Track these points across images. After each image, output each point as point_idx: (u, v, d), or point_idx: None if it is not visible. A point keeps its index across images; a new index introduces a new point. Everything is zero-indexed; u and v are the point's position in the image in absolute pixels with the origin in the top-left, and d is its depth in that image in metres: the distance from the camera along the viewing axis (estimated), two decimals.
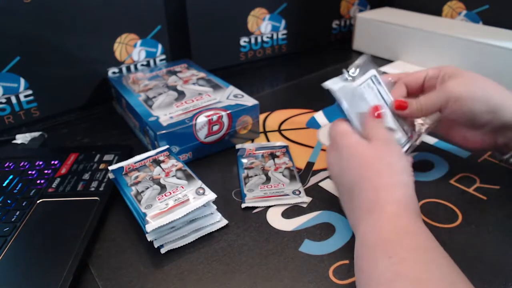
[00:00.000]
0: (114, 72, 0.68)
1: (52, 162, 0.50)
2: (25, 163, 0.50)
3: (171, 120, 0.50)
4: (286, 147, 0.54)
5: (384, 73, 0.47)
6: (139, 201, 0.39)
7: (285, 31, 0.84)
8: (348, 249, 0.38)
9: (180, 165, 0.44)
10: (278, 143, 0.55)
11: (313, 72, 0.79)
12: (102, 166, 0.49)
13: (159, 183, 0.42)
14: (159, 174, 0.43)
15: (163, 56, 0.72)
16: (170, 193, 0.40)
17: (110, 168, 0.45)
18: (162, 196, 0.40)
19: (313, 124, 0.60)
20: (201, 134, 0.51)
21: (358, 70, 0.44)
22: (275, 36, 0.83)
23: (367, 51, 0.87)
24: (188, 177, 0.42)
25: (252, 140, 0.57)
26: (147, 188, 0.41)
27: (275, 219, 0.42)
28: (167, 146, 0.48)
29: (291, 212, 0.43)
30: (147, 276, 0.36)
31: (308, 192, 0.45)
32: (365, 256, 0.31)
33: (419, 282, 0.27)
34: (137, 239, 0.40)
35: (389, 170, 0.36)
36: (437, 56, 0.75)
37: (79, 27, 0.61)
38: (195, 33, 0.73)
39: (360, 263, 0.31)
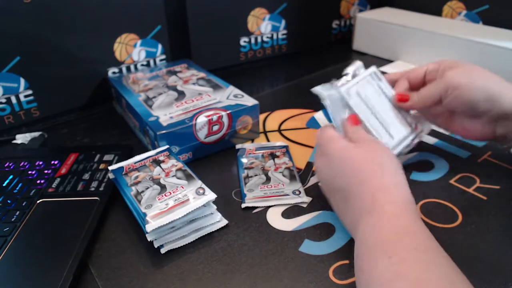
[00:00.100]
0: (114, 72, 0.68)
1: (52, 162, 0.50)
2: (25, 163, 0.50)
3: (171, 120, 0.50)
4: (286, 147, 0.54)
5: (384, 73, 0.48)
6: (139, 201, 0.39)
7: (285, 31, 0.84)
8: (348, 249, 0.38)
9: (180, 165, 0.44)
10: (278, 143, 0.55)
11: (313, 72, 0.79)
12: (102, 166, 0.49)
13: (159, 183, 0.42)
14: (159, 174, 0.43)
15: (163, 56, 0.72)
16: (170, 193, 0.40)
17: (110, 168, 0.45)
18: (162, 196, 0.40)
19: (313, 124, 0.60)
20: (201, 134, 0.51)
21: (350, 76, 0.45)
22: (275, 36, 0.83)
23: (367, 51, 0.87)
24: (188, 177, 0.42)
25: (252, 140, 0.57)
26: (147, 188, 0.41)
27: (275, 219, 0.42)
28: (167, 146, 0.48)
29: (291, 212, 0.43)
30: (147, 276, 0.36)
31: (308, 192, 0.45)
32: (365, 256, 0.31)
33: (419, 282, 0.27)
34: (137, 239, 0.40)
35: (382, 170, 0.36)
36: (437, 56, 0.74)
37: (79, 27, 0.61)
38: (195, 33, 0.73)
39: (360, 263, 0.31)
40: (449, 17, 0.83)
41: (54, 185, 0.46)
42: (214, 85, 0.59)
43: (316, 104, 0.65)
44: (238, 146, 0.54)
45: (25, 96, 0.61)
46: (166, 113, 0.52)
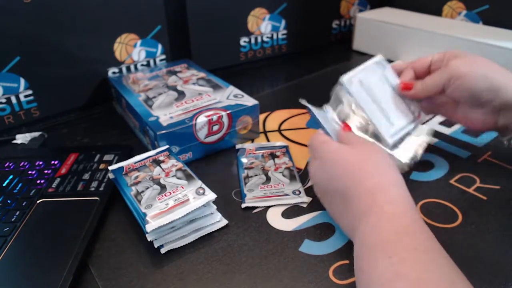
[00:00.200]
0: (114, 72, 0.68)
1: (52, 162, 0.50)
2: (25, 163, 0.50)
3: (171, 120, 0.50)
4: (286, 147, 0.54)
5: (391, 61, 0.48)
6: (139, 201, 0.39)
7: (285, 31, 0.84)
8: (348, 249, 0.38)
9: (180, 165, 0.44)
10: (278, 143, 0.55)
11: (313, 72, 0.79)
12: (102, 166, 0.49)
13: (159, 183, 0.42)
14: (159, 174, 0.43)
15: (163, 56, 0.72)
16: (170, 193, 0.40)
17: (110, 168, 0.45)
18: (162, 196, 0.40)
19: (313, 124, 0.60)
20: (201, 134, 0.51)
21: (332, 102, 0.46)
22: (275, 36, 0.83)
23: (367, 51, 0.87)
24: (188, 177, 0.42)
25: (252, 140, 0.57)
26: (147, 188, 0.41)
27: (275, 219, 0.42)
28: (167, 146, 0.48)
29: (291, 212, 0.43)
30: (147, 276, 0.36)
31: (308, 192, 0.45)
32: (365, 257, 0.31)
33: (419, 282, 0.27)
34: (137, 239, 0.40)
35: (378, 169, 0.36)
36: None
37: (79, 27, 0.61)
38: (195, 33, 0.73)
39: (360, 264, 0.31)
40: (449, 17, 0.83)
41: (54, 185, 0.46)
42: (214, 85, 0.59)
43: (316, 104, 0.65)
44: (238, 146, 0.54)
45: (25, 96, 0.61)
46: (166, 113, 0.52)
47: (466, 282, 0.28)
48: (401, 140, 0.45)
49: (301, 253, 0.38)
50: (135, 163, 0.45)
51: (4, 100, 0.59)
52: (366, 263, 0.31)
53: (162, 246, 0.38)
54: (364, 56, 0.86)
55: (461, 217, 0.41)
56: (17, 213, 0.42)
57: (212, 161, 0.52)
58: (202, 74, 0.63)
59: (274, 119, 0.62)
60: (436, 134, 0.55)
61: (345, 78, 0.44)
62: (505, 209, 0.42)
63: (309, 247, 0.38)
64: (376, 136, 0.45)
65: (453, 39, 0.71)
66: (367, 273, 0.30)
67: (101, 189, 0.45)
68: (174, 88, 0.59)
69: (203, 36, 0.74)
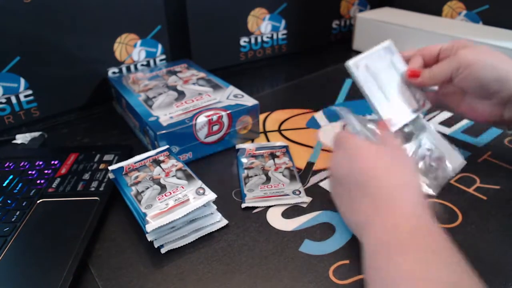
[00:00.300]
0: (114, 72, 0.68)
1: (52, 162, 0.50)
2: (25, 163, 0.50)
3: (171, 120, 0.50)
4: (286, 147, 0.54)
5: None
6: (139, 201, 0.39)
7: (285, 31, 0.84)
8: (348, 249, 0.38)
9: (180, 165, 0.44)
10: (278, 143, 0.55)
11: (313, 72, 0.79)
12: (102, 166, 0.49)
13: (159, 183, 0.42)
14: (159, 174, 0.43)
15: (163, 56, 0.72)
16: (170, 193, 0.40)
17: (110, 168, 0.45)
18: (162, 196, 0.40)
19: (313, 124, 0.60)
20: (201, 134, 0.51)
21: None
22: (275, 36, 0.83)
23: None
24: (188, 177, 0.42)
25: (252, 140, 0.57)
26: (147, 188, 0.41)
27: (275, 219, 0.42)
28: (167, 146, 0.48)
29: (291, 212, 0.43)
30: (147, 276, 0.36)
31: (308, 192, 0.45)
32: (383, 254, 0.31)
33: (439, 284, 0.27)
34: (137, 239, 0.40)
35: (403, 171, 0.36)
36: None
37: (79, 27, 0.61)
38: (195, 33, 0.73)
39: (374, 263, 0.31)
40: (449, 17, 0.83)
41: (54, 185, 0.46)
42: (214, 85, 0.59)
43: (316, 104, 0.65)
44: (238, 146, 0.54)
45: (25, 96, 0.61)
46: (166, 113, 0.52)
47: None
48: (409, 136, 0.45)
49: (301, 253, 0.38)
50: (135, 163, 0.45)
51: (4, 100, 0.59)
52: (385, 260, 0.30)
53: (162, 246, 0.38)
54: None
55: (461, 217, 0.41)
56: (17, 213, 0.42)
57: (212, 161, 0.52)
58: (202, 74, 0.63)
59: (274, 119, 0.62)
60: None
61: (351, 62, 0.44)
62: (505, 209, 0.42)
63: (309, 247, 0.38)
64: (406, 137, 0.45)
65: (453, 39, 0.71)
66: (384, 271, 0.30)
67: (101, 189, 0.45)
68: (174, 88, 0.59)
69: (203, 36, 0.74)
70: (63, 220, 0.42)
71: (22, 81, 0.60)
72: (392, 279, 0.29)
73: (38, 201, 0.44)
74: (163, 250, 0.38)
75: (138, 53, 0.69)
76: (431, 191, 0.44)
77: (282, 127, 0.60)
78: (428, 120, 0.59)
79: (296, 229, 0.41)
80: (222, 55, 0.79)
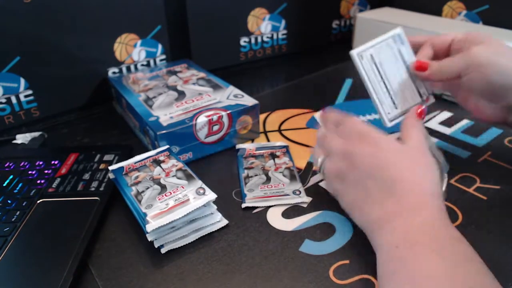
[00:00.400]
0: (114, 72, 0.68)
1: (52, 162, 0.50)
2: (25, 163, 0.50)
3: (171, 120, 0.50)
4: (286, 147, 0.54)
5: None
6: (139, 201, 0.39)
7: (285, 31, 0.84)
8: (349, 249, 0.38)
9: (180, 165, 0.44)
10: (278, 143, 0.55)
11: (313, 72, 0.79)
12: (102, 166, 0.49)
13: (159, 183, 0.42)
14: (159, 174, 0.43)
15: (163, 56, 0.72)
16: (170, 193, 0.40)
17: (110, 168, 0.45)
18: (162, 196, 0.40)
19: (313, 124, 0.60)
20: (201, 134, 0.51)
21: None
22: (275, 36, 0.83)
23: None
24: (188, 177, 0.42)
25: (252, 140, 0.57)
26: (147, 188, 0.41)
27: (275, 219, 0.42)
28: (167, 146, 0.48)
29: (291, 212, 0.43)
30: (147, 276, 0.36)
31: (308, 192, 0.45)
32: (410, 250, 0.31)
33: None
34: (137, 239, 0.40)
35: (432, 176, 0.36)
36: None
37: (79, 27, 0.61)
38: (195, 33, 0.73)
39: (397, 262, 0.31)
40: (449, 17, 0.83)
41: (54, 185, 0.46)
42: (214, 85, 0.59)
43: (316, 104, 0.65)
44: (238, 146, 0.54)
45: (25, 96, 0.61)
46: (166, 113, 0.52)
47: None
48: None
49: (301, 253, 0.38)
50: (135, 163, 0.45)
51: (4, 100, 0.59)
52: (412, 257, 0.30)
53: (162, 246, 0.38)
54: None
55: (461, 217, 0.41)
56: (17, 213, 0.42)
57: (212, 161, 0.52)
58: (202, 74, 0.63)
59: (274, 119, 0.62)
60: (436, 134, 0.55)
61: (355, 52, 0.42)
62: (505, 209, 0.42)
63: (309, 247, 0.38)
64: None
65: None
66: (410, 267, 0.30)
67: (101, 189, 0.45)
68: (174, 88, 0.59)
69: (203, 36, 0.74)
70: (63, 220, 0.42)
71: (22, 81, 0.60)
72: (425, 277, 0.29)
73: (38, 201, 0.44)
74: (163, 250, 0.38)
75: (138, 53, 0.69)
76: None
77: (282, 127, 0.60)
78: (428, 120, 0.59)
79: (296, 229, 0.41)
80: (222, 55, 0.79)
